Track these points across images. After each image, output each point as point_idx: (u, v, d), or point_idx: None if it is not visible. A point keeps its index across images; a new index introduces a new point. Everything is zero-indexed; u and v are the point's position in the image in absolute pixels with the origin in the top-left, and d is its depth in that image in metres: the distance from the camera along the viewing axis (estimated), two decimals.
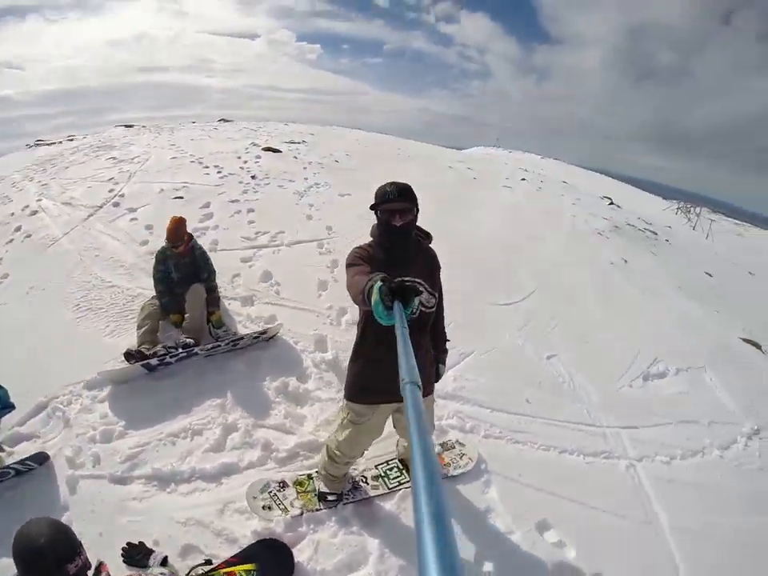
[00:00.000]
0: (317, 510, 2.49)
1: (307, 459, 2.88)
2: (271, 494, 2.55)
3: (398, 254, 1.97)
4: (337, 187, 8.80)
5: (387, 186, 1.92)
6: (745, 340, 6.37)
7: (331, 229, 6.43)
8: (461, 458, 2.94)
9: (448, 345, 2.41)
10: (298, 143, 12.93)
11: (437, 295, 2.08)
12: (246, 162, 9.33)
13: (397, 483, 2.71)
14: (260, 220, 6.27)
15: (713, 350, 5.59)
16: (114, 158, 8.98)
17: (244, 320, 4.11)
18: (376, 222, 2.04)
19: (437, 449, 2.88)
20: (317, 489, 2.57)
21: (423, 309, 2.00)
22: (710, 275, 10.63)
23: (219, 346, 3.51)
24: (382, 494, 2.63)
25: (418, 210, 1.96)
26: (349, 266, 1.93)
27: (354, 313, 4.30)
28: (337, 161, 11.54)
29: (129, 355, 3.32)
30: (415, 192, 1.96)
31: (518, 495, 2.80)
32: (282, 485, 2.61)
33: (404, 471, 2.78)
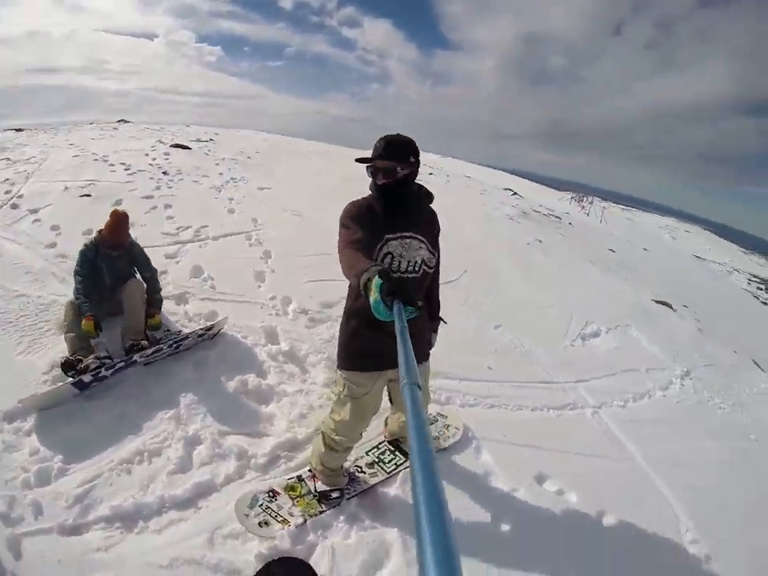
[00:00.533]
0: (320, 512, 2.20)
1: (291, 460, 2.55)
2: (263, 507, 2.17)
3: (398, 210, 1.81)
4: (254, 181, 8.57)
5: (378, 141, 1.76)
6: (657, 301, 7.09)
7: (257, 221, 6.20)
8: (447, 428, 2.85)
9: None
10: (206, 141, 12.33)
11: (436, 255, 1.96)
12: (154, 159, 8.70)
13: (394, 466, 2.52)
14: (179, 215, 5.82)
15: (633, 311, 6.24)
16: (7, 159, 7.90)
17: (181, 319, 3.65)
18: None
19: None
20: (313, 489, 2.28)
21: (424, 268, 1.87)
22: (614, 251, 11.73)
23: (161, 349, 3.03)
24: (382, 480, 2.43)
25: (412, 168, 1.78)
26: (343, 224, 1.76)
27: (300, 302, 4.15)
28: (249, 157, 11.20)
29: (67, 365, 2.78)
30: (415, 147, 1.79)
31: (509, 454, 2.79)
32: (272, 494, 2.25)
33: (396, 452, 2.61)
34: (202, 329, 3.27)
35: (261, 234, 5.75)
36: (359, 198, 1.86)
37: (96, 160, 8.18)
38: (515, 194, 19.43)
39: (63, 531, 2.02)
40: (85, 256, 3.19)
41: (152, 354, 2.97)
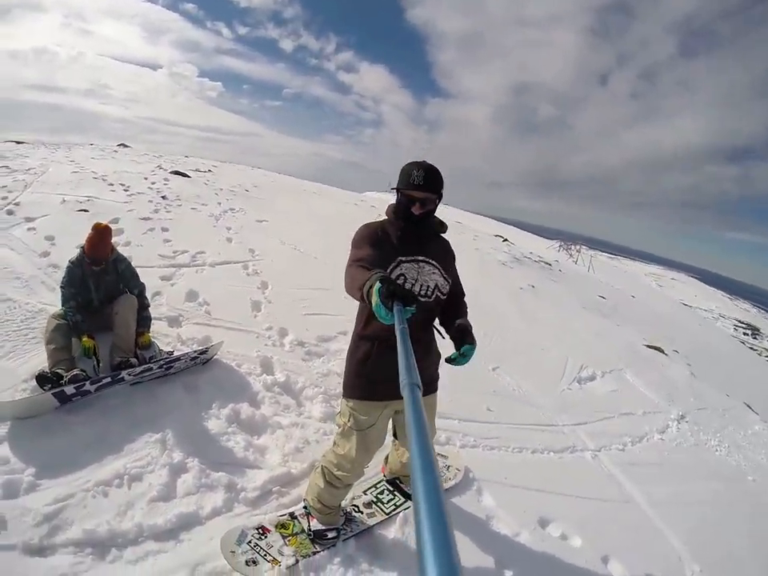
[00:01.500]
0: (314, 553, 2.04)
1: (283, 496, 2.38)
2: (252, 545, 2.01)
3: (413, 236, 1.78)
4: (252, 213, 8.63)
5: (415, 169, 1.69)
6: (648, 346, 7.11)
7: (254, 251, 6.20)
8: (448, 469, 2.73)
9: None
10: (204, 172, 12.47)
11: (450, 281, 1.88)
12: (153, 182, 8.76)
13: (393, 507, 2.37)
14: (176, 239, 5.80)
15: (626, 355, 6.27)
16: (6, 167, 7.91)
17: (174, 341, 3.53)
18: (395, 200, 1.82)
19: None
20: (307, 528, 2.13)
21: (438, 294, 1.81)
22: (604, 298, 11.84)
23: (151, 368, 2.89)
24: (380, 521, 2.28)
25: (440, 198, 1.77)
26: (354, 245, 1.72)
27: (297, 334, 4.10)
28: (247, 190, 11.35)
29: (42, 378, 2.63)
30: (442, 178, 1.74)
31: (511, 497, 2.68)
32: (261, 531, 2.08)
33: (395, 492, 2.47)
34: (195, 351, 3.15)
35: (258, 264, 5.73)
36: (375, 221, 1.84)
37: (95, 178, 8.20)
38: (506, 240, 19.75)
39: (28, 550, 1.84)
40: (72, 273, 3.09)
41: (141, 372, 2.83)
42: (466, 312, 1.99)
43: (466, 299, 2.04)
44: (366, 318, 1.84)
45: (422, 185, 1.67)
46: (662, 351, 7.14)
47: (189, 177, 10.34)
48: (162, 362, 2.93)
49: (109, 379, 2.69)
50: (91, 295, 3.17)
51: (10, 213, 5.50)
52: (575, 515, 2.66)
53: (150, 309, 3.44)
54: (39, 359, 2.91)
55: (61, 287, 3.10)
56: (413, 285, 1.74)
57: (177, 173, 10.21)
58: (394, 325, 1.14)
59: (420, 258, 1.77)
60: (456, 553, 0.40)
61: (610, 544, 2.49)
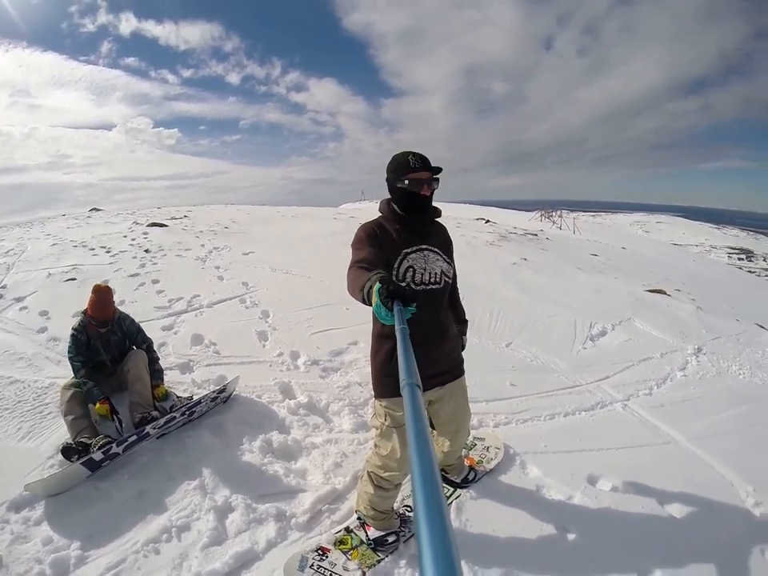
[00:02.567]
0: (378, 561, 2.02)
1: (333, 513, 2.36)
2: (315, 568, 1.98)
3: (415, 225, 1.83)
4: (237, 248, 8.67)
5: (409, 156, 1.74)
6: (650, 290, 7.15)
7: (248, 284, 6.21)
8: (488, 450, 2.72)
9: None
10: (180, 218, 12.48)
11: (453, 265, 1.96)
12: (134, 239, 8.79)
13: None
14: (169, 288, 5.81)
15: (631, 304, 6.28)
16: None
17: (189, 387, 3.52)
18: (390, 195, 1.85)
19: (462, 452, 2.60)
20: (365, 538, 2.11)
21: (445, 278, 1.85)
22: (596, 255, 11.91)
23: (174, 418, 2.88)
24: None
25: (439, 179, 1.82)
26: (353, 247, 1.74)
27: (309, 354, 4.10)
28: (226, 227, 11.36)
29: (68, 450, 2.60)
30: None
31: (556, 464, 2.68)
32: (321, 552, 2.06)
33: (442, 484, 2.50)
34: (214, 391, 3.15)
35: (254, 295, 5.75)
36: (371, 221, 1.85)
37: (75, 246, 8.22)
38: (488, 221, 19.79)
39: None
40: (77, 340, 3.07)
41: (165, 424, 2.82)
42: (462, 312, 2.24)
43: (461, 282, 2.13)
44: None
45: (421, 166, 1.73)
46: (665, 293, 7.18)
47: (167, 226, 10.34)
48: (183, 409, 2.92)
49: (134, 437, 2.66)
50: (102, 357, 3.16)
51: None
52: (621, 466, 2.67)
53: (160, 361, 3.43)
54: (59, 434, 2.90)
55: (69, 358, 3.07)
56: (423, 274, 1.77)
57: (154, 224, 10.21)
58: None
59: (423, 246, 1.82)
60: (456, 554, 0.41)
61: (662, 486, 2.49)
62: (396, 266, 1.74)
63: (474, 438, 2.85)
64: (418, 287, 1.76)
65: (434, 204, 1.89)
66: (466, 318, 2.26)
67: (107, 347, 3.17)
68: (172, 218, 12.48)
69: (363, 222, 1.85)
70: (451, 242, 2.00)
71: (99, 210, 17.49)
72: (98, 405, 2.89)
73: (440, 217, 1.94)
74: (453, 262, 1.97)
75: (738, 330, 5.51)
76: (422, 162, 1.73)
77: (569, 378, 3.84)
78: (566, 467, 2.64)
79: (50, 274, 6.36)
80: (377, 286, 1.26)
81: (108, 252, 7.71)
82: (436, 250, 1.85)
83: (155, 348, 3.48)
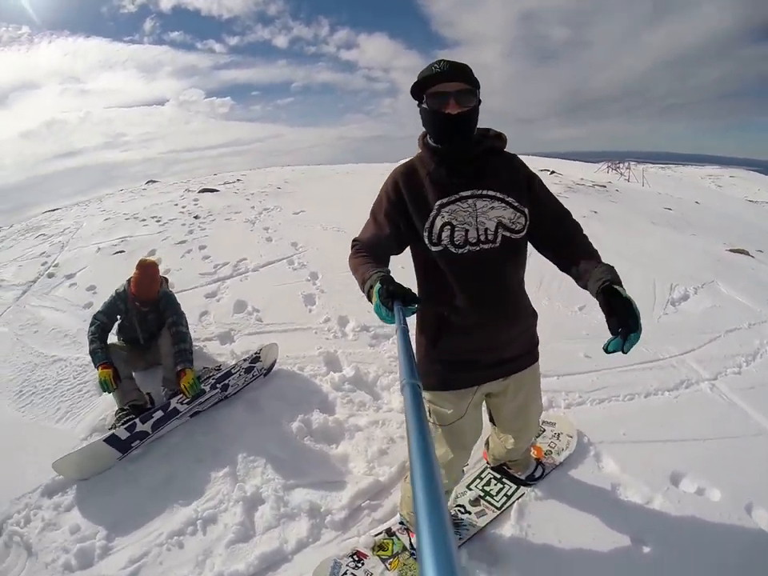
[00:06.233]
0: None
1: (375, 510, 2.08)
2: None
3: (455, 163, 1.33)
4: (288, 208, 8.49)
5: (434, 64, 1.25)
6: (731, 250, 6.40)
7: (297, 244, 5.99)
8: (558, 438, 2.35)
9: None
10: (233, 182, 12.55)
11: (527, 211, 1.37)
12: (184, 206, 8.91)
13: (504, 498, 2.03)
14: (215, 254, 5.72)
15: (712, 265, 5.56)
16: (43, 235, 8.32)
17: (228, 359, 3.32)
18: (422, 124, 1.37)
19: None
20: (408, 544, 1.84)
21: (505, 234, 1.34)
22: (670, 209, 10.85)
23: (203, 392, 2.67)
24: (493, 519, 1.96)
25: (478, 92, 1.30)
26: (372, 208, 1.46)
27: (358, 319, 3.79)
28: (279, 188, 11.26)
29: (125, 411, 2.60)
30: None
31: (635, 456, 2.28)
32: (357, 558, 1.81)
33: (504, 480, 2.13)
34: (245, 360, 2.90)
35: (303, 256, 5.53)
36: (401, 164, 1.45)
37: (127, 219, 8.41)
38: (553, 172, 18.61)
39: None
40: (113, 304, 2.87)
41: (194, 399, 2.64)
42: (592, 248, 1.41)
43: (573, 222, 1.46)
44: (426, 286, 1.49)
45: (446, 70, 1.23)
46: (748, 253, 6.37)
47: (218, 191, 10.38)
48: (213, 381, 2.73)
49: (161, 413, 2.50)
50: (136, 333, 3.00)
51: (50, 276, 5.63)
52: (708, 462, 2.24)
53: (189, 338, 2.93)
54: (94, 414, 2.83)
55: (94, 316, 2.83)
56: (468, 231, 1.31)
57: (205, 190, 10.27)
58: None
59: (467, 193, 1.32)
60: (456, 556, 0.38)
61: (751, 489, 2.06)
62: (428, 226, 1.34)
63: (543, 421, 2.47)
64: (462, 249, 1.33)
65: (489, 128, 1.40)
66: (598, 256, 1.39)
67: (143, 325, 2.98)
68: (225, 183, 12.58)
69: (391, 173, 1.44)
70: (527, 176, 1.41)
71: (155, 181, 17.96)
72: (99, 370, 2.58)
73: (502, 146, 1.41)
74: (534, 203, 1.39)
75: None
76: (449, 65, 1.23)
77: (649, 350, 3.32)
78: (647, 461, 2.24)
79: (99, 248, 6.48)
80: (377, 286, 1.17)
81: (158, 221, 7.80)
82: (491, 194, 1.33)
83: (183, 323, 2.98)
